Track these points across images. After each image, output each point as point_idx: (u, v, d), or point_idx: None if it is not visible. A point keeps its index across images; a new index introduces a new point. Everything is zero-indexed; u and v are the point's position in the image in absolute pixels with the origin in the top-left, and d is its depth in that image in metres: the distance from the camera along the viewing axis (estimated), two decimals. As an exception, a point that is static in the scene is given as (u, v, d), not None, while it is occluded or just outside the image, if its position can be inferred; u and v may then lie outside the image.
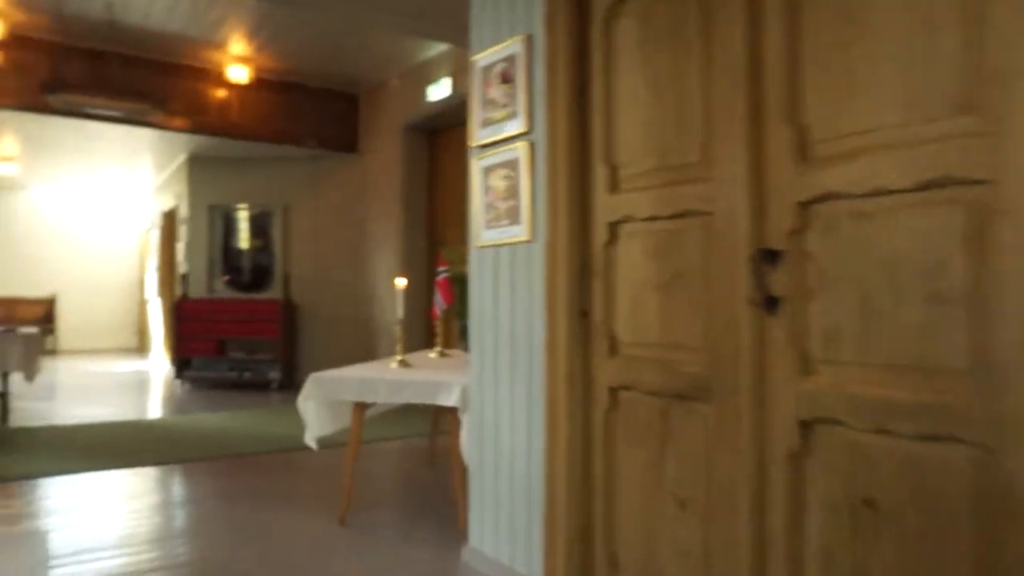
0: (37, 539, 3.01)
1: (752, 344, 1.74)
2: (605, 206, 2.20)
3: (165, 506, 3.56)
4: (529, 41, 2.45)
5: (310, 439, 3.17)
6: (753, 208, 1.74)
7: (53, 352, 11.77)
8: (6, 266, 11.89)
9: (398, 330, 3.49)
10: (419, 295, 6.80)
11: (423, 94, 6.85)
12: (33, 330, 5.72)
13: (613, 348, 2.18)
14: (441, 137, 7.22)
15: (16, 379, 5.73)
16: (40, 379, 5.92)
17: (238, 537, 3.07)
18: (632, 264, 2.12)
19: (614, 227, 2.18)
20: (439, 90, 6.62)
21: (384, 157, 7.68)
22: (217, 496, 3.73)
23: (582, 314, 2.26)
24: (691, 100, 1.93)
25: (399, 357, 3.37)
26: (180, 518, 3.37)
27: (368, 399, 3.01)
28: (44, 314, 11.76)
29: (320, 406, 3.13)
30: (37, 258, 12.19)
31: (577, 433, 2.26)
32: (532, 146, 2.43)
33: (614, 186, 2.18)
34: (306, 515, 3.34)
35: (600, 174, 2.22)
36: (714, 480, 1.85)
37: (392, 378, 2.95)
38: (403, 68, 7.16)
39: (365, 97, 8.05)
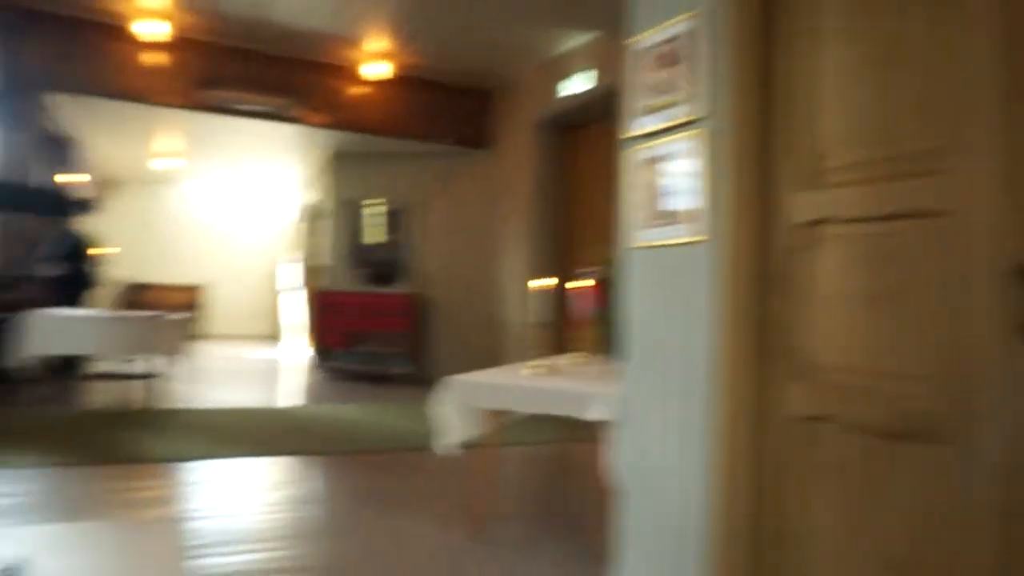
0: (176, 527, 3.05)
1: (1005, 378, 1.39)
2: (797, 204, 1.89)
3: (296, 501, 3.55)
4: (703, 16, 2.16)
5: (445, 446, 3.03)
6: (1011, 208, 1.39)
7: (200, 336, 12.58)
8: (166, 255, 12.85)
9: (534, 334, 3.30)
10: (547, 296, 6.60)
11: (558, 89, 6.65)
12: (182, 316, 6.02)
13: (801, 371, 1.86)
14: (577, 133, 6.99)
15: (162, 362, 6.06)
16: (184, 362, 6.23)
17: (367, 542, 2.98)
18: (831, 273, 1.79)
19: (808, 228, 1.85)
20: (576, 84, 6.39)
21: (517, 154, 7.56)
22: (347, 494, 3.69)
23: (762, 329, 1.96)
24: (926, 74, 1.58)
25: (538, 362, 3.17)
26: (310, 515, 3.33)
27: (509, 407, 2.83)
28: (191, 301, 12.59)
29: (456, 412, 2.98)
30: (193, 248, 13.10)
31: (750, 469, 1.95)
32: (707, 134, 2.14)
33: (810, 181, 1.86)
34: (435, 522, 3.21)
35: (791, 167, 1.91)
36: (940, 540, 1.51)
37: (535, 386, 2.75)
38: (538, 62, 7.00)
39: (499, 93, 7.96)
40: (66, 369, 6.47)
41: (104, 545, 2.81)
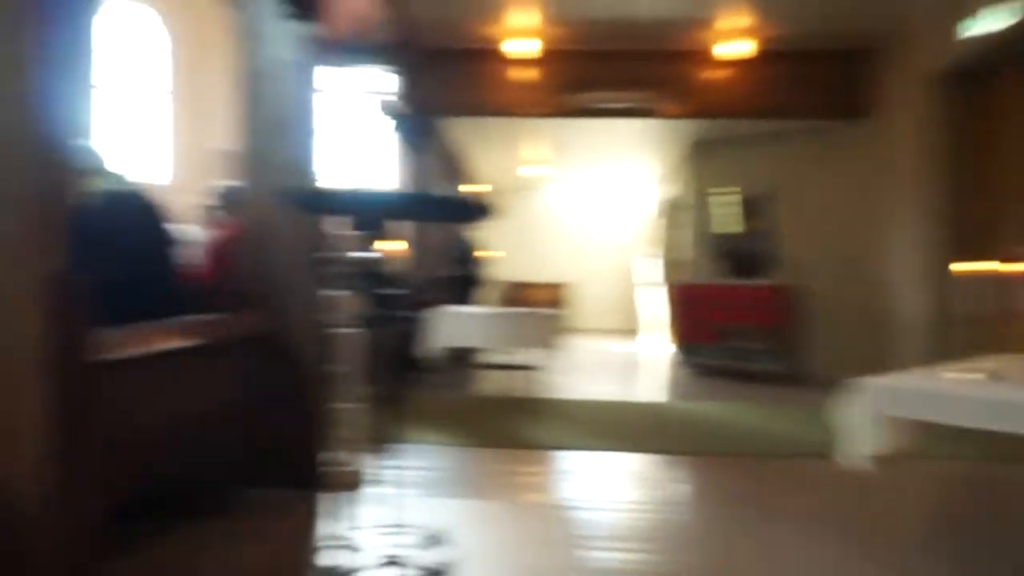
0: (562, 515, 3.14)
1: None
2: None
3: (664, 502, 3.42)
4: None
5: (852, 457, 2.61)
6: None
7: (567, 330, 13.44)
8: (537, 255, 14.10)
9: (954, 330, 2.67)
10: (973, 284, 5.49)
11: (959, 31, 5.50)
12: (555, 312, 6.39)
13: None
14: (990, 83, 5.70)
15: (539, 355, 6.49)
16: (557, 355, 6.60)
17: (738, 552, 2.70)
18: None
19: None
20: (987, 22, 5.21)
21: (903, 118, 6.49)
22: (716, 500, 3.45)
23: None
24: None
25: (971, 365, 2.56)
26: (679, 519, 3.17)
27: (938, 419, 2.32)
28: (561, 296, 13.50)
29: (867, 419, 2.54)
30: (559, 248, 14.18)
31: None
32: None
33: None
34: (823, 545, 2.79)
35: None
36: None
37: (975, 395, 2.19)
38: (926, 4, 5.90)
39: (876, 52, 6.93)
40: (460, 359, 7.35)
41: (504, 523, 3.02)
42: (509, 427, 4.88)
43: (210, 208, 4.24)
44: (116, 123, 6.38)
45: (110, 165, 3.34)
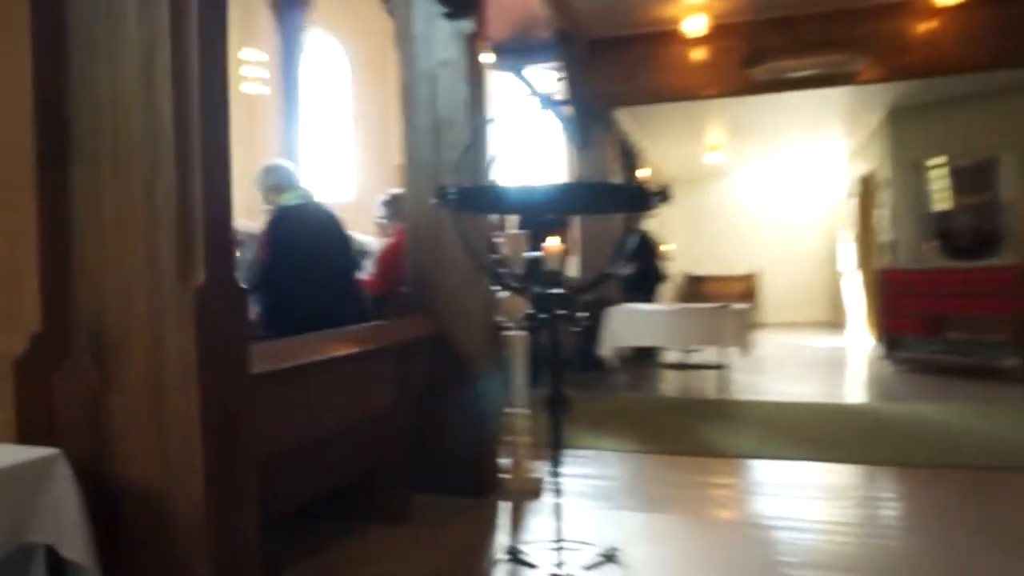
0: (759, 535, 2.80)
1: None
2: None
3: (879, 523, 2.94)
4: None
5: None
6: None
7: (757, 325, 12.57)
8: (716, 247, 13.29)
9: None
10: None
11: None
12: (744, 307, 5.92)
13: None
14: None
15: (727, 352, 6.03)
16: (747, 353, 6.10)
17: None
18: None
19: None
20: None
21: None
22: (936, 522, 2.88)
23: None
24: None
25: None
26: (891, 544, 2.69)
27: None
28: (748, 289, 12.66)
29: None
30: (741, 238, 13.22)
31: None
32: None
33: None
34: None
35: None
36: None
37: None
38: None
39: None
40: (642, 359, 7.07)
41: (687, 542, 2.75)
42: (693, 432, 4.54)
43: (380, 218, 4.36)
44: (309, 144, 6.85)
45: (299, 181, 3.53)
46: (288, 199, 3.41)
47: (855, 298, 10.66)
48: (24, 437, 1.49)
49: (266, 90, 8.85)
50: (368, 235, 4.79)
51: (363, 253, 5.67)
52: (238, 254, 4.23)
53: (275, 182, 3.46)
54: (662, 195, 2.07)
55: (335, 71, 10.29)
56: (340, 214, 3.54)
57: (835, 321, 12.21)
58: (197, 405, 1.53)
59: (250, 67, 9.08)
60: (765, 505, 3.15)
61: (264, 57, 8.66)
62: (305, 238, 3.34)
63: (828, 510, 3.10)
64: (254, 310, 3.51)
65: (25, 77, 1.55)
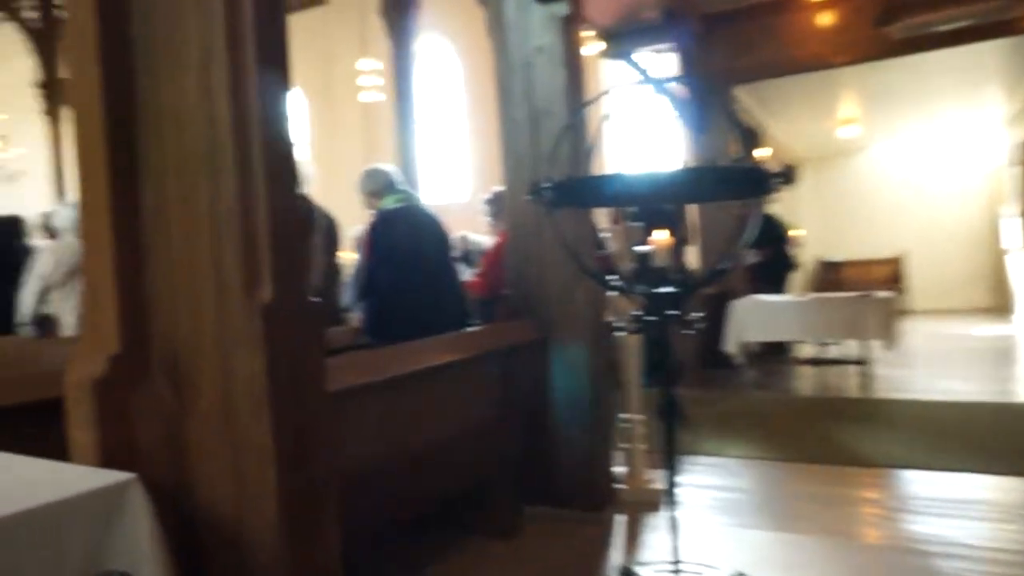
0: (913, 563, 2.42)
1: None
2: None
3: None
4: None
5: None
6: None
7: (904, 313, 11.49)
8: (852, 229, 12.26)
9: None
10: None
11: None
12: (889, 294, 5.35)
13: None
14: None
15: (869, 345, 5.46)
16: (894, 345, 5.51)
17: None
18: None
19: None
20: None
21: None
22: None
23: None
24: None
25: None
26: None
27: None
28: (892, 275, 11.59)
29: None
30: (881, 218, 12.11)
31: None
32: None
33: None
34: None
35: None
36: None
37: None
38: None
39: None
40: (773, 353, 6.57)
41: (829, 567, 2.42)
42: (832, 437, 4.10)
43: (486, 219, 4.24)
44: (425, 147, 6.89)
45: (400, 184, 3.48)
46: (388, 203, 3.36)
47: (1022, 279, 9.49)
48: (105, 459, 1.46)
49: (381, 97, 9.06)
50: (482, 235, 4.71)
51: (479, 253, 5.61)
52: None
53: (375, 186, 3.43)
54: (785, 176, 1.78)
55: (448, 73, 10.40)
56: (454, 215, 3.47)
57: (998, 306, 10.92)
58: (269, 429, 1.44)
59: (366, 76, 9.34)
60: (919, 526, 2.74)
61: (379, 65, 8.86)
62: (405, 242, 3.28)
63: (997, 533, 2.65)
64: (358, 317, 3.50)
65: (95, 90, 1.52)
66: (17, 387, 1.77)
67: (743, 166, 1.93)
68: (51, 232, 4.45)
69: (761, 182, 1.81)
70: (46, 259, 3.73)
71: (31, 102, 7.43)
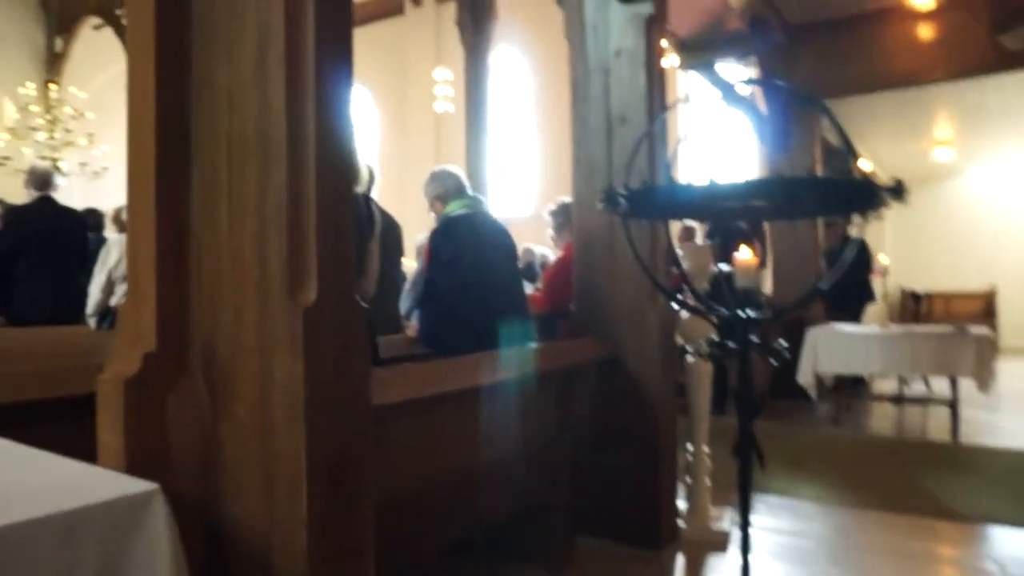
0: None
1: None
2: None
3: None
4: None
5: None
6: None
7: (995, 353, 10.72)
8: (939, 259, 11.55)
9: None
10: None
11: None
12: (985, 331, 4.93)
13: None
14: None
15: (965, 386, 5.04)
16: (989, 385, 5.06)
17: None
18: None
19: None
20: None
21: None
22: None
23: None
24: None
25: None
26: None
27: None
28: (983, 309, 10.86)
29: None
30: (971, 248, 11.37)
31: None
32: None
33: None
34: None
35: None
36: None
37: None
38: None
39: None
40: (848, 387, 6.17)
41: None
42: (915, 484, 3.76)
43: (550, 232, 4.07)
44: (495, 158, 6.79)
45: (467, 189, 3.34)
46: (454, 208, 3.22)
47: None
48: (132, 464, 1.35)
49: (451, 107, 9.04)
50: (547, 248, 4.54)
51: (541, 266, 5.45)
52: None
53: (441, 190, 3.28)
54: (896, 191, 1.56)
55: (519, 86, 10.34)
56: (518, 229, 3.30)
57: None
58: (303, 444, 1.31)
59: (440, 86, 9.35)
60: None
61: (452, 76, 8.84)
62: (469, 250, 3.13)
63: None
64: (414, 326, 3.37)
65: (149, 76, 1.43)
66: (79, 377, 1.71)
67: (849, 178, 1.71)
68: (122, 225, 4.52)
69: (870, 196, 1.59)
70: (113, 252, 3.76)
71: (121, 104, 7.68)
